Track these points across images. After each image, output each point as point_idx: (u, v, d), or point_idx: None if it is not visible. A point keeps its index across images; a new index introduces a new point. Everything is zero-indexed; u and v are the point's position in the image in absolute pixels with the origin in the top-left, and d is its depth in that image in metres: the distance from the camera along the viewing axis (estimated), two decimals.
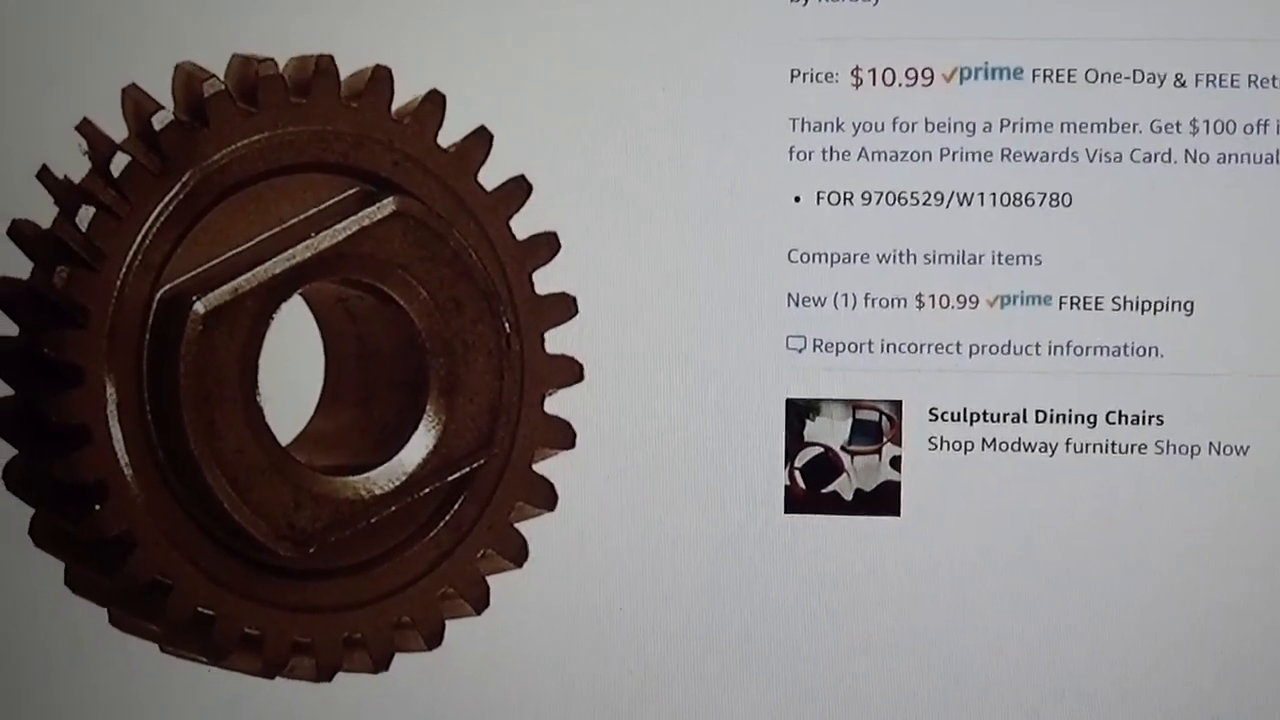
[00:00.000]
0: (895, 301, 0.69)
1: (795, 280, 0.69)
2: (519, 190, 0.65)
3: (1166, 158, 0.68)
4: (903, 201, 0.69)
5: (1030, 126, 0.69)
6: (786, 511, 0.69)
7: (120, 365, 0.59)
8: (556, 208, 0.67)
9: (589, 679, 0.69)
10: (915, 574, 0.69)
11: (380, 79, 0.63)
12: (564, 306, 0.66)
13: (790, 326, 0.69)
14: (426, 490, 0.63)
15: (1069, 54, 0.68)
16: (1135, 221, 0.69)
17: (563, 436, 0.67)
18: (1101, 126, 0.68)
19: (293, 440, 0.65)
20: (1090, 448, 0.69)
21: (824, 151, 0.69)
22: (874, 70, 0.69)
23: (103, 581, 0.62)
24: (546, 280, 0.66)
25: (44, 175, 0.62)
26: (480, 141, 0.65)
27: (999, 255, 0.69)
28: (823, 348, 0.69)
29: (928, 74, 0.69)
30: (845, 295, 0.69)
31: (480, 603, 0.65)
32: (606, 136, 0.68)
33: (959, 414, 0.69)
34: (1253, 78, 0.68)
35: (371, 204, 0.62)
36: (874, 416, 0.69)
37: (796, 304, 0.69)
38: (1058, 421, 0.69)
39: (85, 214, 0.59)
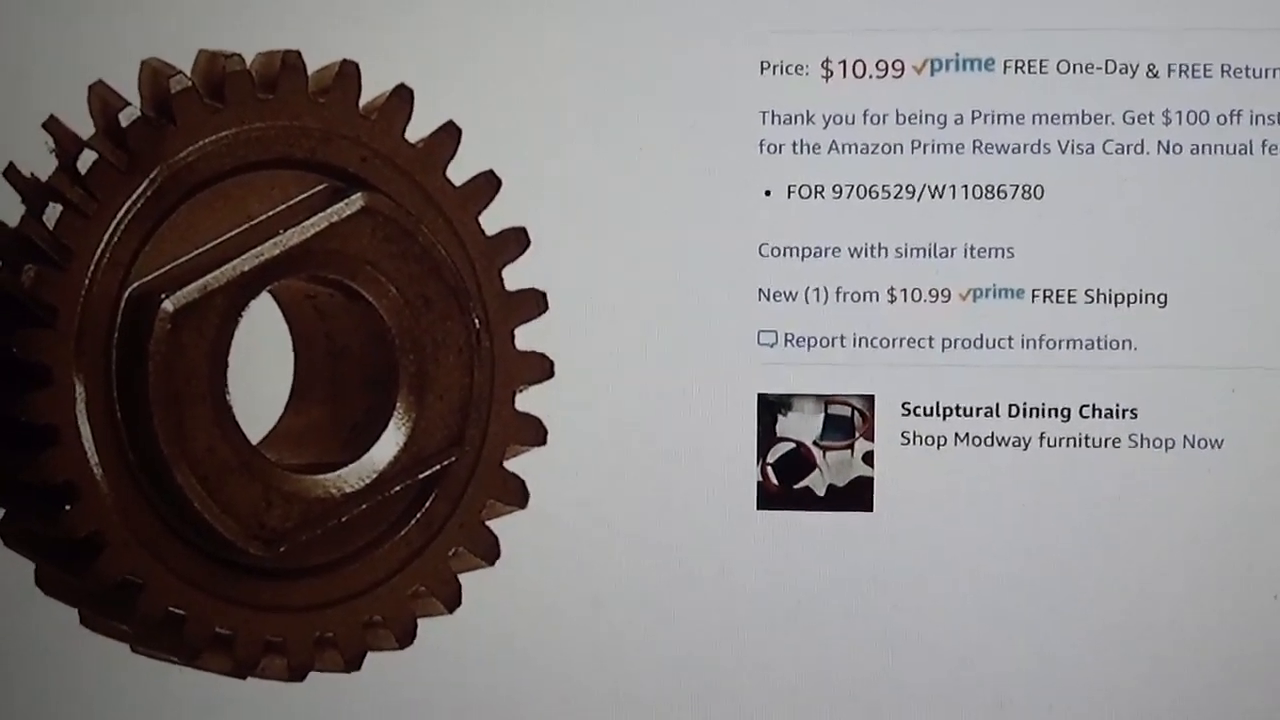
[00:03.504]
0: (867, 295, 0.70)
1: (766, 275, 0.70)
2: (488, 185, 0.66)
3: (1139, 149, 0.69)
4: (874, 195, 0.70)
5: (1001, 118, 0.69)
6: (759, 507, 0.70)
7: (89, 364, 0.59)
8: (525, 203, 0.67)
9: (562, 676, 0.70)
10: (888, 569, 0.70)
11: (347, 74, 0.63)
12: (534, 302, 0.67)
13: (762, 321, 0.70)
14: (397, 488, 0.64)
15: (1040, 45, 0.69)
16: (1108, 213, 0.70)
17: (534, 433, 0.67)
18: (1073, 118, 0.69)
19: (263, 439, 0.66)
20: (1064, 441, 0.70)
21: (794, 144, 0.70)
22: (844, 62, 0.70)
23: (73, 582, 0.62)
24: (516, 276, 0.67)
25: (10, 173, 0.62)
26: (448, 137, 0.65)
27: (971, 248, 0.70)
28: (794, 342, 0.70)
29: (898, 66, 0.70)
30: (817, 289, 0.70)
31: (452, 601, 0.66)
32: (575, 131, 0.69)
33: (931, 408, 0.70)
34: (1225, 67, 0.69)
35: (340, 200, 0.62)
36: (846, 411, 0.70)
37: (768, 299, 0.70)
38: (1031, 415, 0.70)
39: (53, 212, 0.60)
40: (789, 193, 0.70)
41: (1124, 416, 0.70)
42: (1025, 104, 0.70)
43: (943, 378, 0.70)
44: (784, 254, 0.70)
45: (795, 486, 0.70)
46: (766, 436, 0.70)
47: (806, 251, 0.70)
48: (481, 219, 0.66)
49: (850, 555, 0.70)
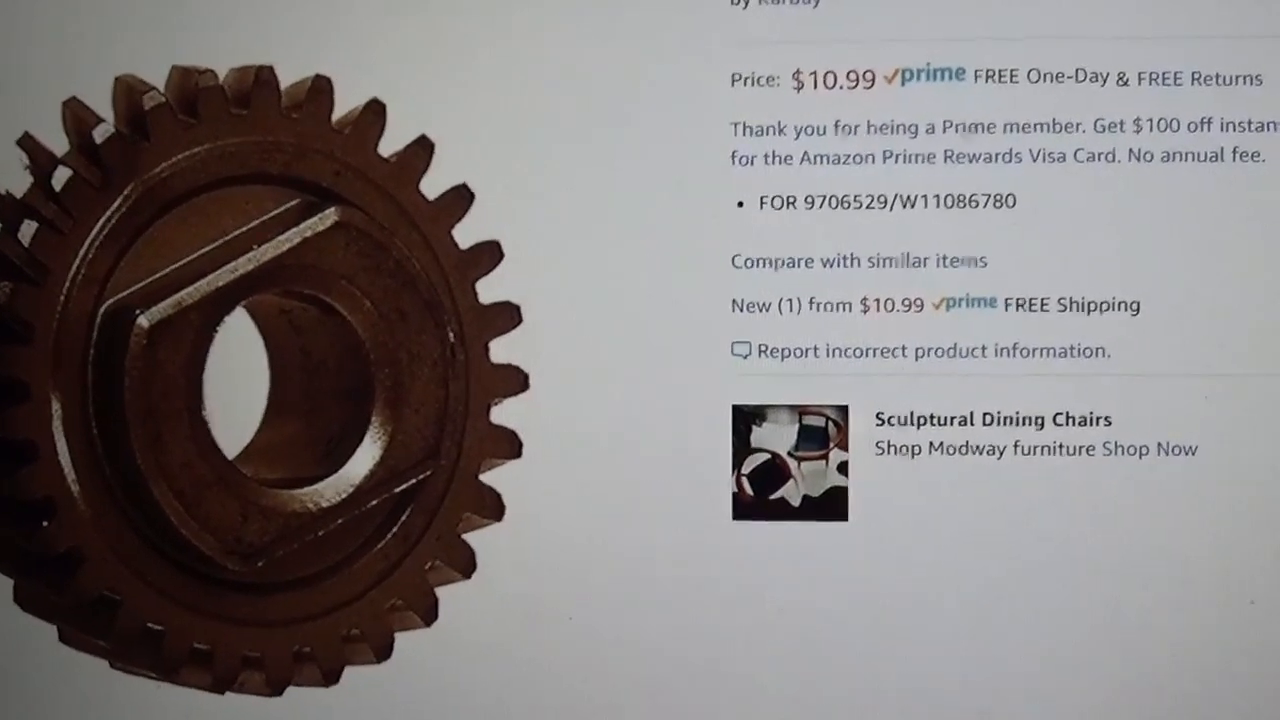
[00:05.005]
0: (840, 305, 0.70)
1: (740, 286, 0.70)
2: (461, 199, 0.66)
3: (1110, 157, 0.70)
4: (846, 205, 0.70)
5: (973, 127, 0.70)
6: (735, 518, 0.71)
7: (65, 380, 0.59)
8: (499, 216, 0.67)
9: (539, 688, 0.70)
10: (863, 579, 0.71)
11: (320, 89, 0.64)
12: (508, 315, 0.67)
13: (736, 332, 0.70)
14: (374, 502, 0.64)
15: (1011, 54, 0.70)
16: (1080, 221, 0.70)
17: (509, 446, 0.67)
18: (1045, 126, 0.70)
19: (239, 454, 0.66)
20: (1038, 450, 0.71)
21: (766, 156, 0.70)
22: (815, 73, 0.70)
23: (52, 598, 0.62)
24: (490, 289, 0.67)
25: None
26: (421, 151, 0.66)
27: (944, 257, 0.70)
28: (768, 353, 0.70)
29: (869, 76, 0.70)
30: (790, 300, 0.70)
31: (429, 614, 0.66)
32: (548, 144, 0.70)
33: (906, 418, 0.71)
34: (1195, 75, 0.70)
35: (314, 215, 0.62)
36: (821, 422, 0.71)
37: (741, 309, 0.70)
38: (1005, 424, 0.70)
39: (28, 229, 0.60)
40: (761, 204, 0.71)
41: (1098, 424, 0.71)
42: (996, 113, 0.70)
43: (917, 387, 0.71)
44: (757, 265, 0.71)
45: (770, 497, 0.71)
46: (741, 447, 0.71)
47: (780, 262, 0.71)
48: (455, 233, 0.67)
49: (826, 565, 0.71)
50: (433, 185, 0.66)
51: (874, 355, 0.71)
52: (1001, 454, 0.71)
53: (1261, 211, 0.71)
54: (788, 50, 0.71)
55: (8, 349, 0.59)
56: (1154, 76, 0.71)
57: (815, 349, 0.71)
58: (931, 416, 0.71)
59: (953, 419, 0.71)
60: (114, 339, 0.60)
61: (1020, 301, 0.71)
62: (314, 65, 0.65)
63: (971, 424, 0.71)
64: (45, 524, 0.60)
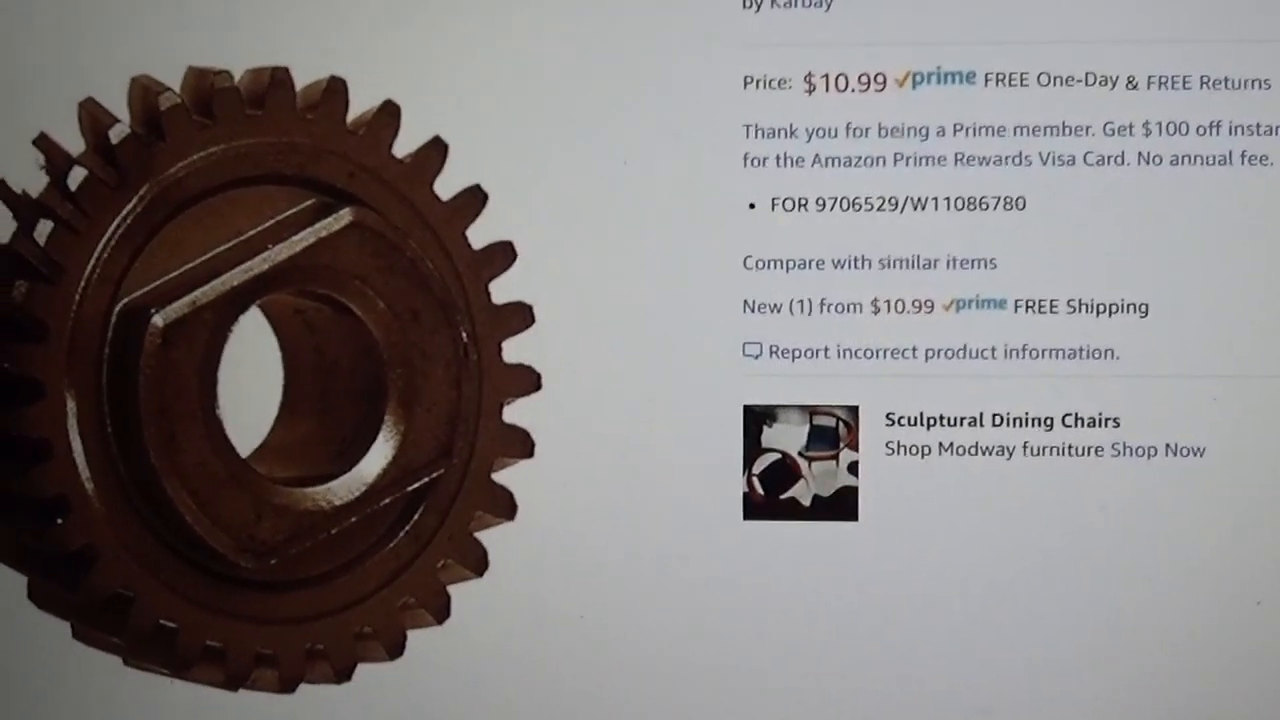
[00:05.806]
0: (851, 307, 0.70)
1: (751, 287, 0.70)
2: (474, 200, 0.66)
3: (1120, 160, 0.70)
4: (857, 207, 0.70)
5: (983, 130, 0.70)
6: (745, 518, 0.70)
7: (80, 379, 0.60)
8: (512, 217, 0.67)
9: (550, 687, 0.70)
10: (873, 579, 0.70)
11: (335, 90, 0.64)
12: (521, 315, 0.67)
13: (747, 333, 0.70)
14: (386, 500, 0.64)
15: (1021, 57, 0.70)
16: (1089, 224, 0.70)
17: (521, 445, 0.68)
18: (1054, 129, 0.70)
19: (252, 452, 0.66)
20: (1047, 451, 0.70)
21: (778, 157, 0.70)
22: (827, 76, 0.70)
23: (65, 595, 0.62)
24: (503, 289, 0.67)
25: (1, 190, 0.63)
26: (435, 152, 0.66)
27: (954, 259, 0.70)
28: (779, 354, 0.70)
29: (880, 79, 0.70)
30: (801, 301, 0.70)
31: (441, 613, 0.66)
32: (561, 145, 0.69)
33: (916, 419, 0.70)
34: (1204, 79, 0.70)
35: (328, 215, 0.63)
36: (831, 422, 0.71)
37: (753, 310, 0.70)
38: (1014, 425, 0.70)
39: (44, 228, 0.60)
40: (773, 205, 0.70)
41: (1106, 426, 0.71)
42: (1006, 116, 0.70)
43: (926, 388, 0.70)
44: (768, 266, 0.70)
45: (781, 497, 0.71)
46: (752, 447, 0.71)
47: (791, 263, 0.70)
48: (468, 233, 0.67)
49: (836, 565, 0.71)
50: (446, 186, 0.66)
51: (884, 356, 0.71)
52: (1011, 455, 0.71)
53: (1269, 214, 0.71)
54: (799, 53, 0.70)
55: (23, 348, 0.60)
56: (1163, 80, 0.70)
57: (826, 350, 0.71)
58: (941, 417, 0.71)
59: (962, 420, 0.71)
60: (129, 338, 0.60)
61: (1030, 303, 0.70)
62: (327, 67, 0.65)
63: (981, 425, 0.71)
64: (59, 522, 0.60)
